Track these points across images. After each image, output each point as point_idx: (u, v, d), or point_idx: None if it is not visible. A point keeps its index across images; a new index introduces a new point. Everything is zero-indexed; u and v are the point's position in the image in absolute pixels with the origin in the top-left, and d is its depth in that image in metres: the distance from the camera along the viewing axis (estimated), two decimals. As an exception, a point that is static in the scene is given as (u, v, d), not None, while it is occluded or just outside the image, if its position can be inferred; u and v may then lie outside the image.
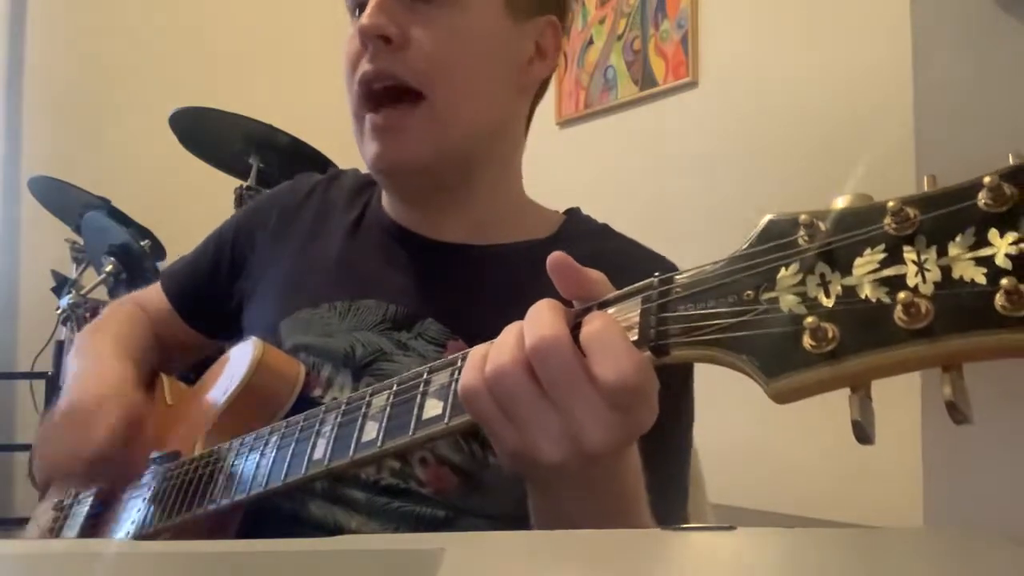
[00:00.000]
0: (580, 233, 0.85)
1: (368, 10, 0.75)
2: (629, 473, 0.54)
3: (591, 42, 2.98)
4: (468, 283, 0.80)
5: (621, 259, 0.81)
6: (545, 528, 0.56)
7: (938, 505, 1.49)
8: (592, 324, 0.48)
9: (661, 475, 0.60)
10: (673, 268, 0.81)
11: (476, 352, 0.52)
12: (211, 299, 0.94)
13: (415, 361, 0.76)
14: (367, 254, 0.85)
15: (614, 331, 0.47)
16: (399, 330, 0.78)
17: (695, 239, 2.46)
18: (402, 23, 0.75)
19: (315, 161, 2.09)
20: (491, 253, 0.82)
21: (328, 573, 0.39)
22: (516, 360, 0.48)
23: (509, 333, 0.51)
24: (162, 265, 2.35)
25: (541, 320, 0.49)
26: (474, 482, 0.72)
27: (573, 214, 0.88)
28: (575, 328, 0.49)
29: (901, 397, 1.58)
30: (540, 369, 0.48)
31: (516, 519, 0.58)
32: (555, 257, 0.52)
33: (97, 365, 0.84)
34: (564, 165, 2.86)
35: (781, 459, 2.20)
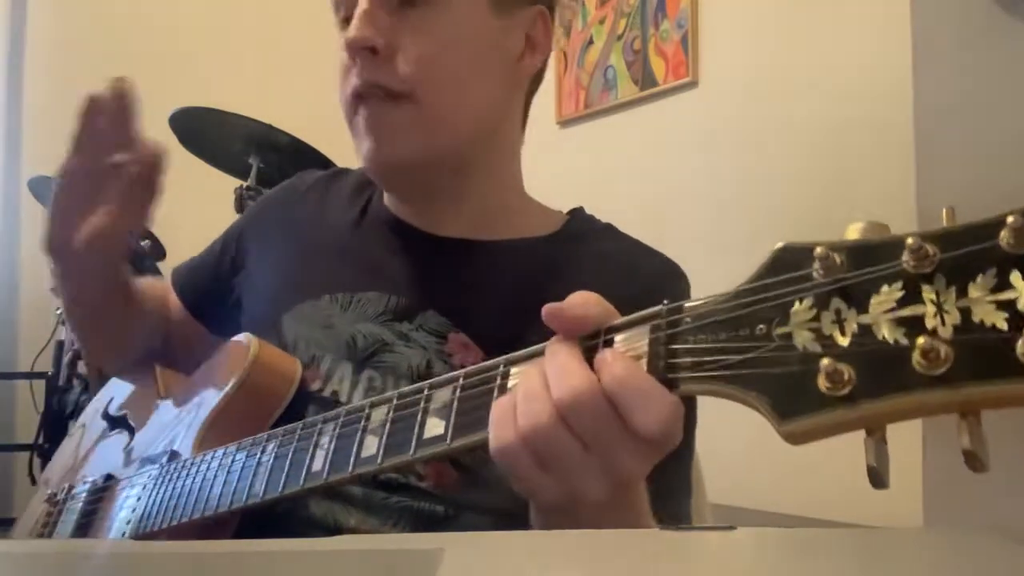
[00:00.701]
0: (583, 232, 0.85)
1: (354, 22, 0.75)
2: (641, 485, 0.54)
3: (591, 42, 2.98)
4: (469, 277, 0.81)
5: (626, 260, 0.81)
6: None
7: (938, 505, 1.49)
8: (613, 370, 0.47)
9: (665, 481, 0.60)
10: (677, 270, 0.81)
11: (503, 405, 0.50)
12: (216, 292, 0.94)
13: (416, 352, 0.76)
14: (369, 247, 0.85)
15: (639, 376, 0.46)
16: (400, 321, 0.78)
17: (695, 239, 2.46)
18: (388, 32, 0.75)
19: (315, 161, 2.09)
20: (493, 248, 0.82)
21: (328, 573, 0.39)
22: (550, 415, 0.47)
23: (534, 381, 0.49)
24: (162, 265, 2.35)
25: (567, 369, 0.48)
26: (474, 477, 0.72)
27: (576, 213, 0.88)
28: (587, 357, 0.49)
29: (901, 397, 1.58)
30: (577, 423, 0.47)
31: (515, 514, 0.58)
32: (546, 311, 0.50)
33: None
34: (564, 165, 2.86)
35: (781, 459, 2.20)
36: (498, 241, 0.82)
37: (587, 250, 0.81)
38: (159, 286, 1.02)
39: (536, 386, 0.49)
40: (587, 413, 0.46)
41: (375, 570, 0.39)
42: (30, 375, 2.88)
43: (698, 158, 2.58)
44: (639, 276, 0.77)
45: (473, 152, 0.80)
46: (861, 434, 0.40)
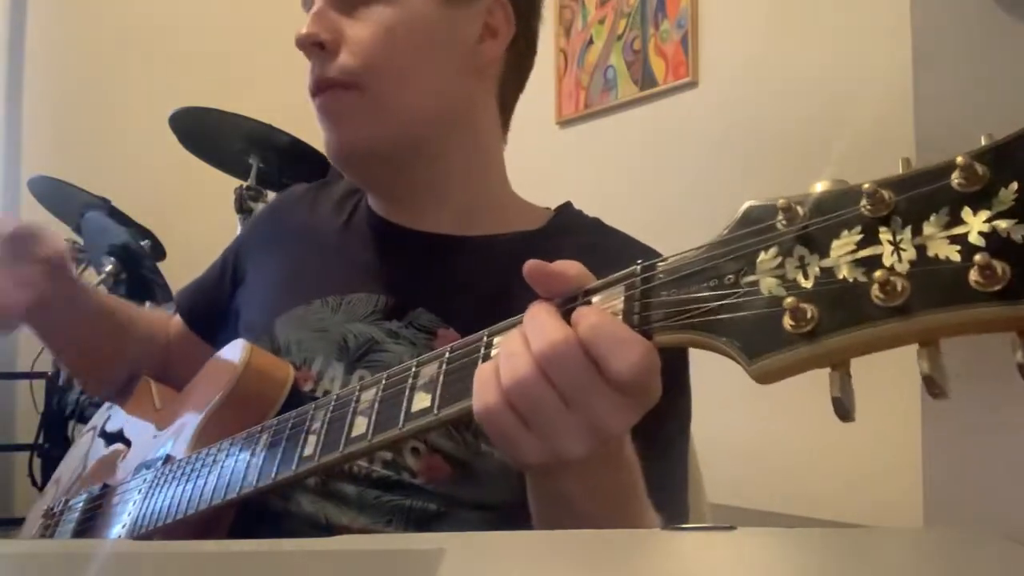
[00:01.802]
0: (571, 226, 0.85)
1: (306, 21, 0.78)
2: (628, 448, 0.55)
3: (591, 42, 2.97)
4: (457, 273, 0.81)
5: (615, 253, 0.81)
6: (543, 512, 0.57)
7: (938, 505, 1.49)
8: (588, 319, 0.49)
9: (659, 466, 0.60)
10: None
11: (484, 370, 0.52)
12: (219, 310, 0.95)
13: (406, 349, 0.76)
14: (356, 250, 0.86)
15: (613, 323, 0.48)
16: (390, 319, 0.79)
17: (695, 239, 2.45)
18: (337, 28, 0.78)
19: (315, 161, 2.09)
20: (479, 243, 0.82)
21: (328, 573, 0.39)
22: (531, 368, 0.49)
23: (514, 342, 0.51)
24: (162, 265, 2.35)
25: (545, 326, 0.50)
26: (466, 470, 0.73)
27: (564, 209, 0.88)
28: (566, 318, 0.50)
29: (901, 398, 1.58)
30: (556, 375, 0.48)
31: (509, 509, 0.58)
32: (529, 266, 0.52)
33: None
34: (564, 165, 2.85)
35: (781, 459, 2.20)
36: (484, 236, 0.83)
37: (575, 243, 0.81)
38: (156, 315, 1.07)
39: (517, 345, 0.50)
40: (565, 364, 0.48)
41: (375, 571, 0.39)
42: (30, 375, 2.88)
43: (698, 158, 2.58)
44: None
45: (439, 138, 0.81)
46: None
